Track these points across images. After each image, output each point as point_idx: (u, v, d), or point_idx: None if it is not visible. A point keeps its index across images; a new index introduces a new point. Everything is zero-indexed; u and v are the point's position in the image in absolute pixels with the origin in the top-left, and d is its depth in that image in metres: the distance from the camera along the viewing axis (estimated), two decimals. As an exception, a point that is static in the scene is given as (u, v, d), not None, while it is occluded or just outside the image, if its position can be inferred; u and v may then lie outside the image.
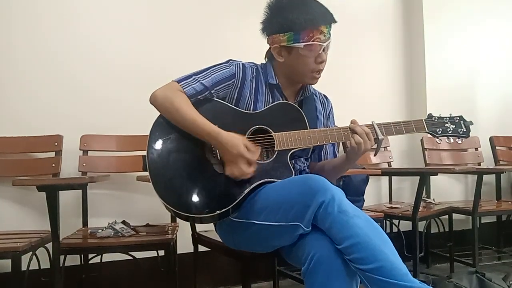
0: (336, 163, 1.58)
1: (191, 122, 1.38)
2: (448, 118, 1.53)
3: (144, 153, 1.40)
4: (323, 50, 1.44)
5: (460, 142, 1.53)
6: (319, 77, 1.50)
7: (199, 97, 1.45)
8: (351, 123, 1.45)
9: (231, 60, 1.53)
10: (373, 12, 3.19)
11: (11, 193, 2.16)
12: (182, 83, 1.44)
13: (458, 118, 1.54)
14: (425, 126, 1.49)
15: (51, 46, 2.28)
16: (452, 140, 1.52)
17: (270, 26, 1.48)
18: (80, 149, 2.23)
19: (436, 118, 1.52)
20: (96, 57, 2.37)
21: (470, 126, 1.53)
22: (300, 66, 1.47)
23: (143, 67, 2.44)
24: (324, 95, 1.71)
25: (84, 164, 2.22)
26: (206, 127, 1.37)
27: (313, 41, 1.41)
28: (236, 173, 1.34)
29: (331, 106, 1.70)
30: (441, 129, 1.51)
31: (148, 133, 1.42)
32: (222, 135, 1.35)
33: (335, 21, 1.45)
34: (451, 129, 1.51)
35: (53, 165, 2.14)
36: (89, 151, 2.25)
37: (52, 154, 2.18)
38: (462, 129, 1.52)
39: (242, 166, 1.34)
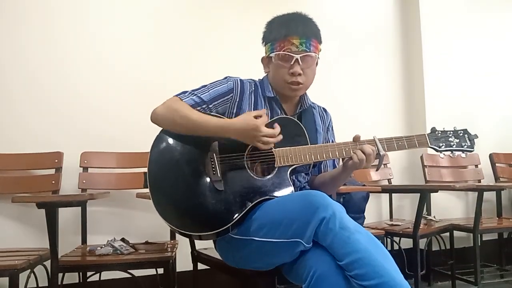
0: (334, 174, 1.58)
1: (199, 122, 1.40)
2: (452, 132, 1.49)
3: (145, 170, 1.40)
4: (297, 62, 1.45)
5: (464, 156, 1.48)
6: (298, 89, 1.50)
7: (198, 108, 1.47)
8: (354, 138, 1.45)
9: (228, 76, 1.56)
10: (372, 30, 3.23)
11: (11, 210, 2.15)
12: (181, 95, 1.49)
13: (462, 131, 1.50)
14: (428, 141, 1.47)
15: (53, 62, 2.30)
16: (456, 155, 1.47)
17: (262, 38, 1.57)
18: (80, 166, 2.23)
19: (440, 132, 1.49)
20: (96, 74, 2.39)
21: (475, 139, 1.48)
22: (276, 76, 1.51)
23: (143, 84, 2.46)
24: (323, 108, 1.72)
25: (84, 181, 2.22)
26: (216, 122, 1.41)
27: (283, 51, 1.46)
28: (268, 138, 1.37)
29: (330, 119, 1.71)
30: (444, 144, 1.47)
31: (148, 150, 1.42)
32: (235, 124, 1.38)
33: (310, 36, 1.47)
34: (455, 143, 1.47)
35: (53, 182, 2.14)
36: (89, 168, 2.25)
37: (52, 171, 2.18)
38: (467, 143, 1.48)
39: (266, 131, 1.36)
